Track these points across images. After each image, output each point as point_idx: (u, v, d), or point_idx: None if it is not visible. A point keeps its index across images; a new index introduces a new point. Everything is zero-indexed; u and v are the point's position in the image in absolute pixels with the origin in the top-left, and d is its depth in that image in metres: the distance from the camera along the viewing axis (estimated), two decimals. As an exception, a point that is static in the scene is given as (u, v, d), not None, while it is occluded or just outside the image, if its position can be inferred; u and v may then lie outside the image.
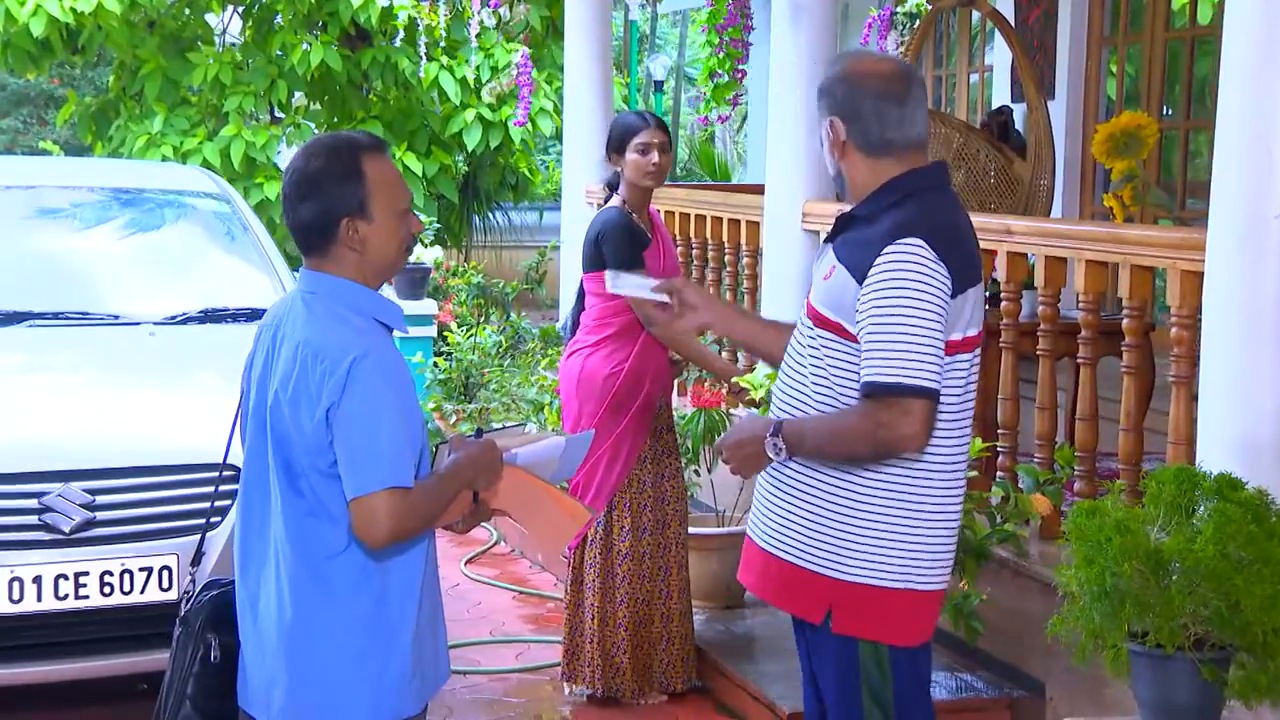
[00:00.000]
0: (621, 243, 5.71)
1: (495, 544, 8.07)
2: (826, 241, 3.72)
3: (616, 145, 5.84)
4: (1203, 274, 4.62)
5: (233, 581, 3.54)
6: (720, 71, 7.14)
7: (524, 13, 8.91)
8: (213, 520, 4.63)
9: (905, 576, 3.56)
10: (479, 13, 9.10)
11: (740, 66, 7.25)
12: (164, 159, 12.28)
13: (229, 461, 3.83)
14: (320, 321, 3.32)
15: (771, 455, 3.56)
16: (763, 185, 7.56)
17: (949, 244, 3.50)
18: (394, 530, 3.24)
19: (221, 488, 4.17)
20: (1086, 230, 5.61)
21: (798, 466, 3.59)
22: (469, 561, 7.74)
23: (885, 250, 3.45)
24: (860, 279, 3.47)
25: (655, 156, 5.76)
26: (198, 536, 4.02)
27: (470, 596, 7.19)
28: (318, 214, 3.34)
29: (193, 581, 3.71)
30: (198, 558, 3.86)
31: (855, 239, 3.57)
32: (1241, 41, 4.34)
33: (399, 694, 3.38)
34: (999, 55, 10.73)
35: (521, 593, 7.29)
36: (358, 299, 3.38)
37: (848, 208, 3.72)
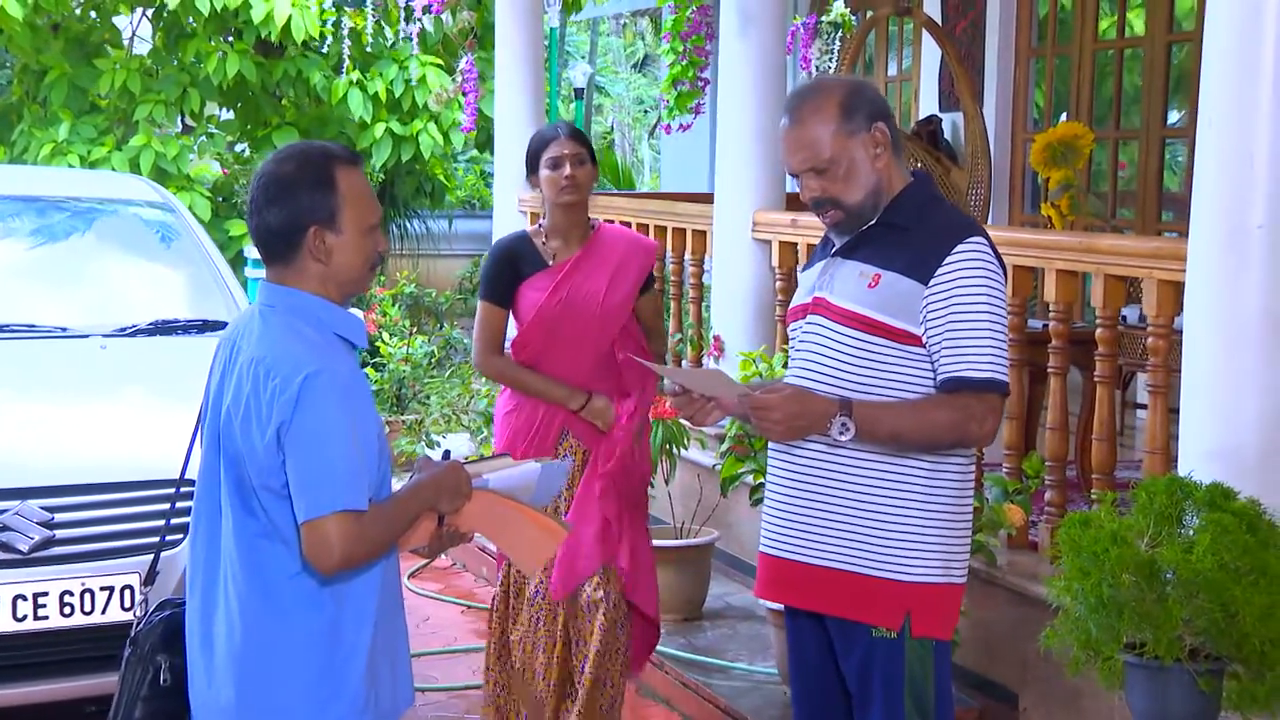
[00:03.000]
0: (487, 272, 5.22)
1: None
2: (837, 254, 3.64)
3: (531, 163, 5.18)
4: (1179, 283, 4.65)
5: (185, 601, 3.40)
6: (684, 80, 7.11)
7: (469, 19, 8.80)
8: (169, 539, 4.44)
9: (958, 570, 3.61)
10: (418, 18, 8.97)
11: (703, 75, 7.24)
12: (70, 167, 12.01)
13: (187, 477, 3.67)
14: (275, 336, 3.19)
15: (836, 435, 3.45)
16: (693, 193, 7.51)
17: (993, 244, 3.56)
18: (346, 555, 3.10)
19: (180, 504, 4.03)
20: (1058, 239, 5.62)
21: (854, 479, 3.53)
22: (413, 576, 7.64)
23: (956, 249, 3.46)
24: (923, 279, 3.46)
25: (567, 169, 5.06)
26: (153, 555, 3.88)
27: (419, 611, 7.08)
28: (285, 220, 3.22)
29: (145, 601, 3.59)
30: (151, 576, 3.76)
31: (894, 244, 3.53)
32: (1221, 50, 4.36)
33: None
34: (926, 64, 10.78)
35: (469, 607, 7.21)
36: (318, 313, 3.24)
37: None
